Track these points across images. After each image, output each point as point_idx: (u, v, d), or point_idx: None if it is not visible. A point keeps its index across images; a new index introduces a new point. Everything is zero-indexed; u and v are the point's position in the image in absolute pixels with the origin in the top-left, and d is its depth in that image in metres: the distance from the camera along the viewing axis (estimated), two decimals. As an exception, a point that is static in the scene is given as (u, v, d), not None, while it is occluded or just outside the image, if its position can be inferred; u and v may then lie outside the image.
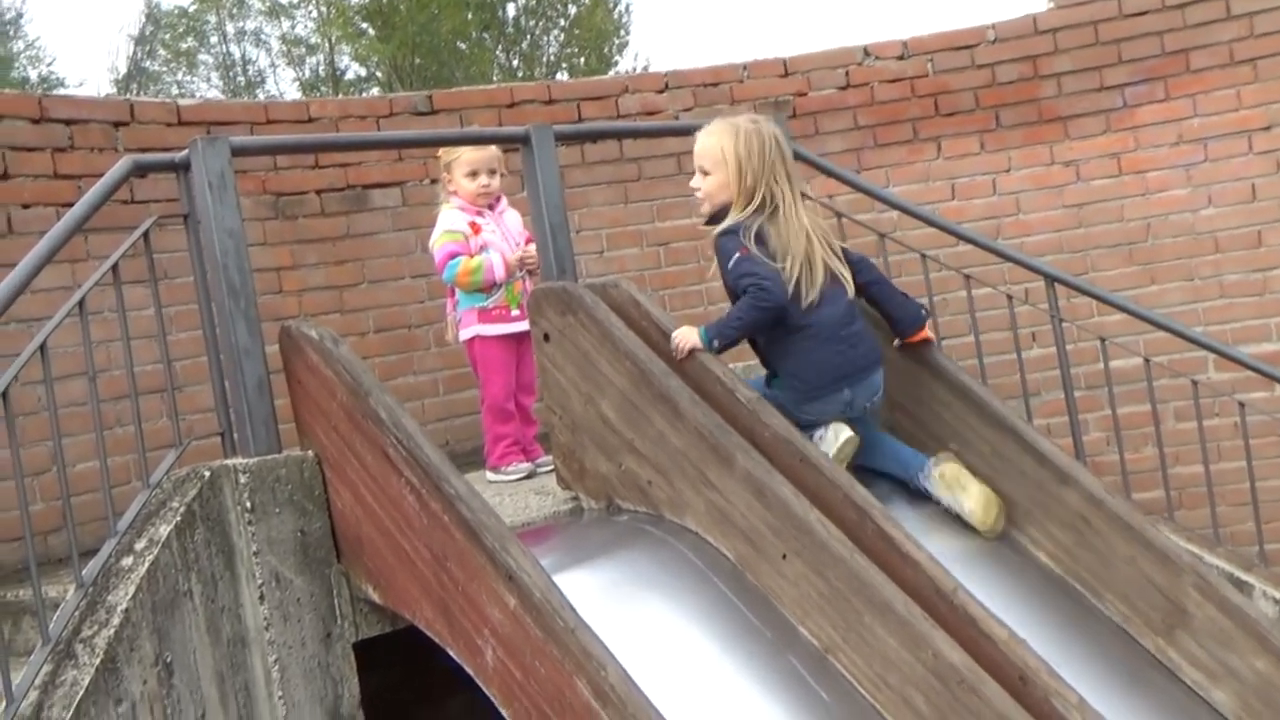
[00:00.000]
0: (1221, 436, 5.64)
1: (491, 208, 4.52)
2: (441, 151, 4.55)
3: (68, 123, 4.53)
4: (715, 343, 3.78)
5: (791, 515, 3.40)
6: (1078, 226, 5.99)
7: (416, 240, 5.44)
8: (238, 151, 3.52)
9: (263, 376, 3.49)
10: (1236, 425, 5.35)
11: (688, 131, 5.71)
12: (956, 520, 4.01)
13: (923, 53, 6.05)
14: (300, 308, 5.13)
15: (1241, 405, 5.02)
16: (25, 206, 4.36)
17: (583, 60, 30.64)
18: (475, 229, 4.43)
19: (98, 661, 3.01)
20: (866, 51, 6.08)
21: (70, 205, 4.34)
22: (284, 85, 29.79)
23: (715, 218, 3.85)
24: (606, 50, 31.17)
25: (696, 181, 3.86)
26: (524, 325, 4.29)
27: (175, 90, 28.40)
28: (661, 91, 5.96)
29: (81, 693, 2.95)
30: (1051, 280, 5.07)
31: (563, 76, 29.18)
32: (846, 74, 6.07)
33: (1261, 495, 5.15)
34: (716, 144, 3.79)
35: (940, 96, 6.06)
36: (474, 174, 4.44)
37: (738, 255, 3.73)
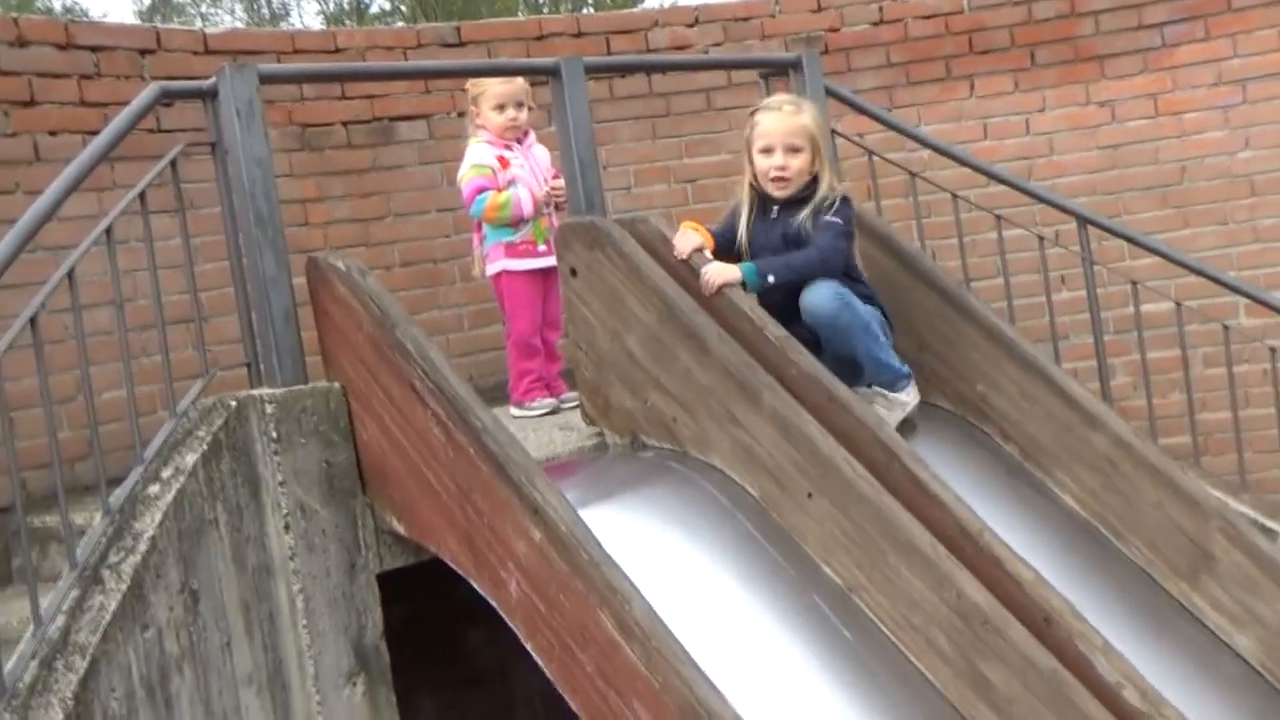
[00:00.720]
0: (1250, 383, 5.57)
1: (520, 141, 4.47)
2: (469, 84, 4.50)
3: (94, 50, 4.49)
4: (771, 278, 3.76)
5: (818, 454, 3.39)
6: (1111, 168, 5.90)
7: (443, 174, 5.39)
8: (265, 79, 3.49)
9: (289, 307, 3.48)
10: (1266, 372, 5.30)
11: (720, 66, 5.67)
12: (981, 458, 4.02)
13: (956, -14, 5.94)
14: (326, 240, 5.11)
15: (1273, 351, 4.97)
16: (52, 134, 4.33)
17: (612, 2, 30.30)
18: (504, 163, 4.39)
19: (125, 587, 3.04)
20: (900, -14, 5.97)
21: (96, 133, 4.32)
22: (308, 18, 29.57)
23: (799, 198, 3.87)
24: (638, -8, 30.79)
25: (784, 159, 3.82)
26: (551, 260, 4.26)
27: (199, 21, 28.27)
28: (691, 25, 5.88)
29: (109, 618, 2.98)
30: (1084, 221, 5.01)
31: (589, 11, 28.88)
32: (880, 10, 5.96)
33: (1288, 440, 5.11)
34: (809, 122, 3.86)
35: (975, 34, 5.94)
36: (501, 107, 4.39)
37: (847, 226, 3.89)
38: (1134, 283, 5.03)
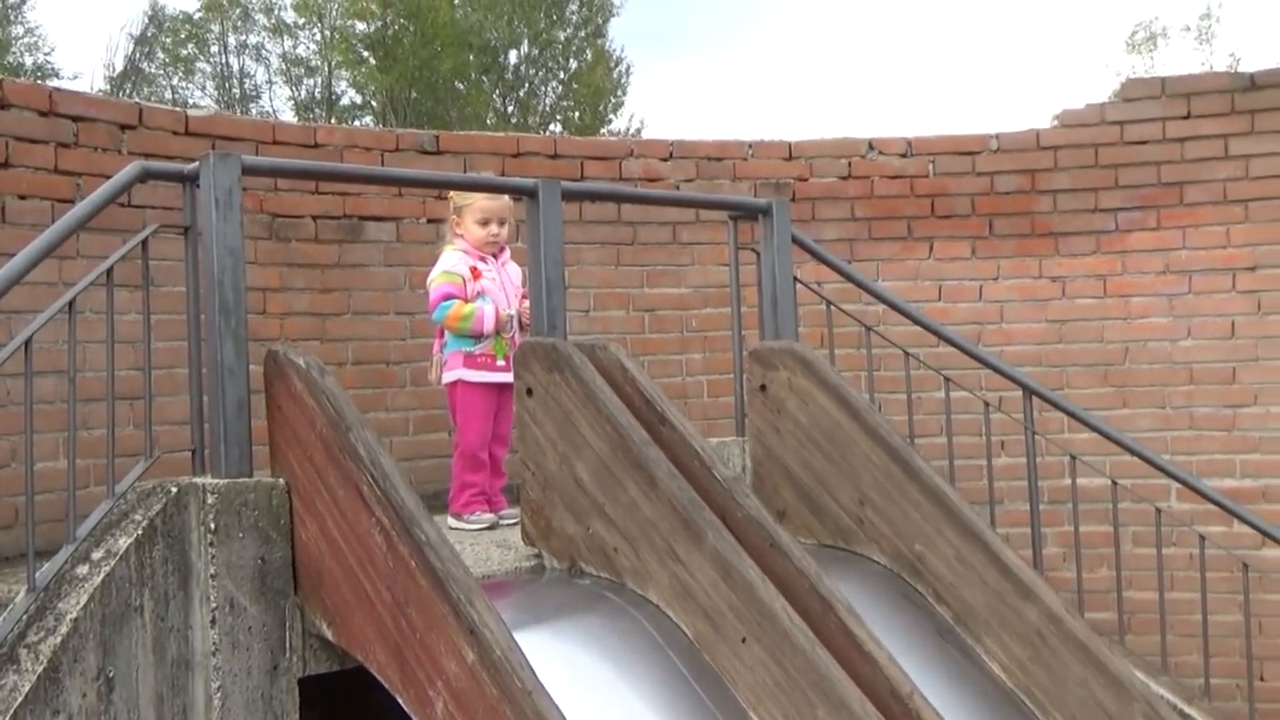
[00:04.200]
0: (1176, 566, 5.68)
1: (495, 256, 4.51)
2: (453, 194, 4.54)
3: (75, 119, 4.50)
4: None
5: (756, 599, 3.39)
6: (1058, 342, 6.06)
7: (406, 277, 5.42)
8: (248, 170, 3.50)
9: (244, 398, 3.44)
10: (1193, 557, 5.39)
11: (693, 204, 5.77)
12: (913, 617, 4.02)
13: (926, 153, 6.13)
14: (282, 331, 5.09)
15: (1202, 538, 5.06)
16: (21, 198, 4.32)
17: (578, 115, 30.90)
18: (475, 274, 4.42)
19: (40, 669, 2.94)
20: (871, 145, 6.15)
21: (66, 201, 4.34)
22: (279, 103, 29.84)
23: None
24: (602, 108, 31.46)
25: None
26: (507, 377, 4.27)
27: (169, 94, 28.37)
28: (666, 159, 6.01)
29: (20, 699, 2.88)
30: (1029, 392, 5.11)
31: (556, 128, 29.39)
32: (849, 164, 6.14)
33: (1211, 629, 5.17)
34: None
35: (938, 198, 6.13)
36: (485, 222, 4.43)
37: None
38: (1073, 456, 5.13)
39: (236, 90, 29.34)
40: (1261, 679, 5.54)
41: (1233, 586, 5.38)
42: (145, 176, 3.42)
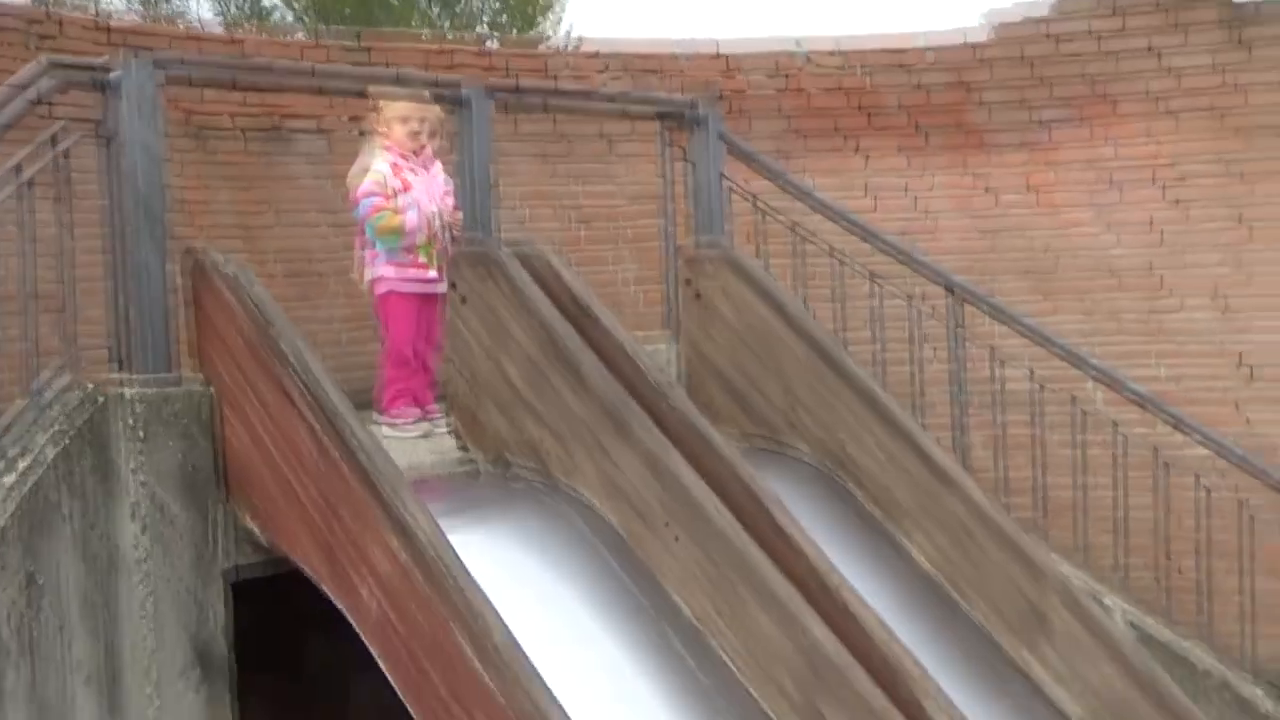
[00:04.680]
0: (1097, 461, 5.78)
1: (426, 168, 4.36)
2: (381, 100, 4.38)
3: (-12, 30, 4.38)
4: None
5: (685, 494, 3.44)
6: (988, 247, 6.11)
7: (334, 186, 5.35)
8: (166, 73, 3.42)
9: (164, 300, 3.41)
10: (1111, 449, 5.50)
11: (623, 104, 5.72)
12: (840, 510, 4.12)
13: (858, 59, 6.10)
14: (207, 239, 5.02)
15: (1116, 426, 5.17)
16: (-67, 105, 4.19)
17: (514, 30, 30.35)
18: (406, 185, 4.28)
19: (-35, 572, 2.94)
20: (805, 54, 6.10)
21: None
22: (205, 16, 29.00)
23: None
24: (538, 20, 30.88)
25: None
26: (436, 284, 4.22)
27: (90, 6, 27.51)
28: (597, 65, 5.94)
29: (-56, 601, 2.87)
30: (954, 290, 5.17)
31: (493, 44, 28.86)
32: (783, 72, 6.10)
33: (1130, 521, 5.30)
34: None
35: (871, 105, 6.12)
36: (406, 119, 4.28)
37: None
38: (993, 348, 5.20)
39: (164, 8, 28.55)
40: (1178, 572, 5.70)
41: (1152, 481, 5.50)
42: (56, 74, 3.32)
